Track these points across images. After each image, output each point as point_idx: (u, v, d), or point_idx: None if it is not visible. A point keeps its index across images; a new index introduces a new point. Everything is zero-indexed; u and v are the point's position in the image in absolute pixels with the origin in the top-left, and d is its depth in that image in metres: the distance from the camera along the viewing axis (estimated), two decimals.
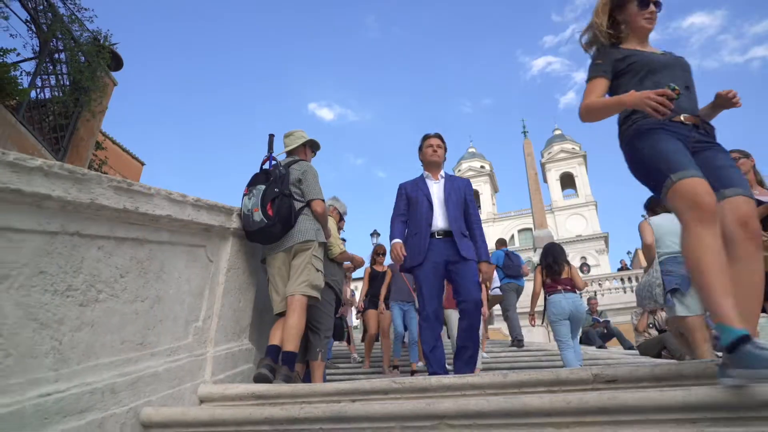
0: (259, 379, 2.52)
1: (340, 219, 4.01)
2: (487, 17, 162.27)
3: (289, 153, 3.30)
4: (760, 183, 3.58)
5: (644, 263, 4.00)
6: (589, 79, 2.15)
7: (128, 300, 2.08)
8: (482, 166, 62.81)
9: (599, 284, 18.51)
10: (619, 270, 20.80)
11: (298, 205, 2.95)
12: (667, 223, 3.87)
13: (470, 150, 68.18)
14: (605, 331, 8.16)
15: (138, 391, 2.01)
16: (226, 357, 2.64)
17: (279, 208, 2.79)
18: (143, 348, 2.14)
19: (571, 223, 55.64)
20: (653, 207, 4.14)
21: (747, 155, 3.65)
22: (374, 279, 6.02)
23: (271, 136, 3.09)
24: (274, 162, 3.05)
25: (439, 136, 3.73)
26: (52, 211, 1.74)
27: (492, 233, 48.83)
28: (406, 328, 5.60)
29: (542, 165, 60.02)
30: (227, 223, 2.78)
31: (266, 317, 3.38)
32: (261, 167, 3.04)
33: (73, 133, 6.63)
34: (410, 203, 3.55)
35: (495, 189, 63.51)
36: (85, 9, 6.72)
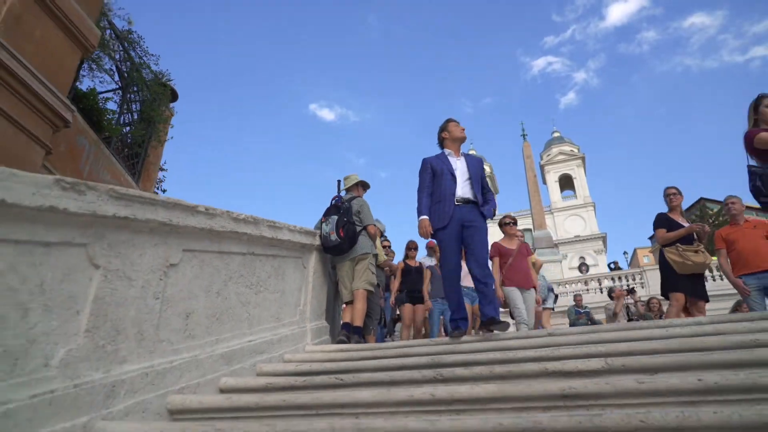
0: (340, 342, 3.93)
1: (381, 235, 5.40)
2: (487, 17, 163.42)
3: (347, 190, 4.69)
4: (682, 214, 5.05)
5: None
6: None
7: (271, 291, 3.48)
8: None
9: (584, 283, 20.08)
10: (611, 270, 22.15)
11: (358, 228, 4.34)
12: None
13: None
14: (589, 322, 9.56)
15: (281, 345, 3.41)
16: (315, 330, 4.03)
17: (347, 232, 4.19)
18: (278, 321, 3.54)
19: (569, 223, 56.84)
20: None
21: (681, 192, 5.11)
22: (407, 274, 6.19)
23: (339, 181, 4.52)
24: (340, 198, 4.46)
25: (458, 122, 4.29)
26: (244, 241, 3.14)
27: (492, 233, 50.07)
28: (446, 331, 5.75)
29: (541, 167, 61.35)
30: (313, 242, 4.18)
31: (327, 306, 4.77)
32: (331, 202, 4.45)
33: (144, 159, 8.04)
34: (435, 175, 4.01)
35: (495, 190, 64.82)
36: (152, 55, 8.12)
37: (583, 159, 60.88)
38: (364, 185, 4.79)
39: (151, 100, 8.00)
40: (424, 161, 4.12)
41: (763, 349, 2.07)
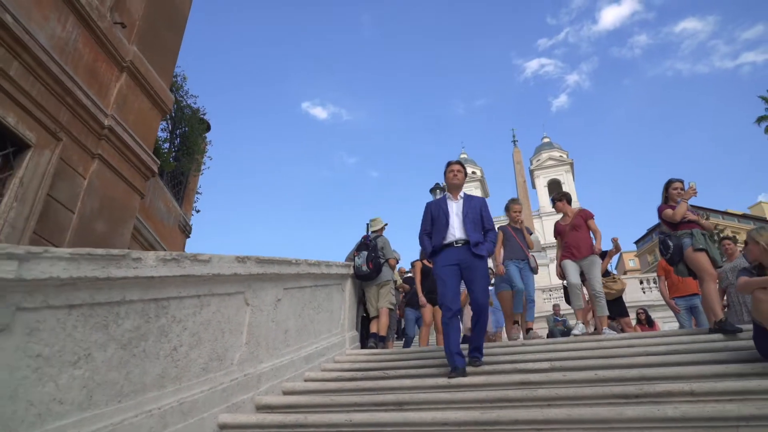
0: (371, 347, 5.31)
1: (396, 262, 6.78)
2: (481, 19, 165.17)
3: (374, 231, 6.08)
4: None
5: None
6: None
7: (325, 311, 4.86)
8: (473, 172, 65.60)
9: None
10: None
11: (381, 261, 5.73)
12: None
13: (462, 156, 71.24)
14: (564, 328, 11.04)
15: (332, 350, 4.78)
16: (351, 338, 5.41)
17: (375, 264, 5.58)
18: (330, 332, 4.91)
19: None
20: None
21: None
22: (426, 276, 6.29)
23: (368, 224, 5.91)
24: (368, 237, 5.84)
25: (459, 163, 4.53)
26: (311, 278, 4.51)
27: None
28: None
29: (531, 172, 63.20)
30: (349, 272, 5.57)
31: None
32: (361, 240, 5.83)
33: (186, 186, 9.36)
34: (434, 219, 4.32)
35: (486, 194, 66.49)
36: (193, 95, 9.44)
37: (571, 165, 62.75)
38: (383, 226, 6.20)
39: (191, 133, 9.29)
40: (426, 206, 4.51)
41: (644, 357, 3.50)
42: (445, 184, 4.58)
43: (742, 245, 4.40)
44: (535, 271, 5.83)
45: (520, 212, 6.05)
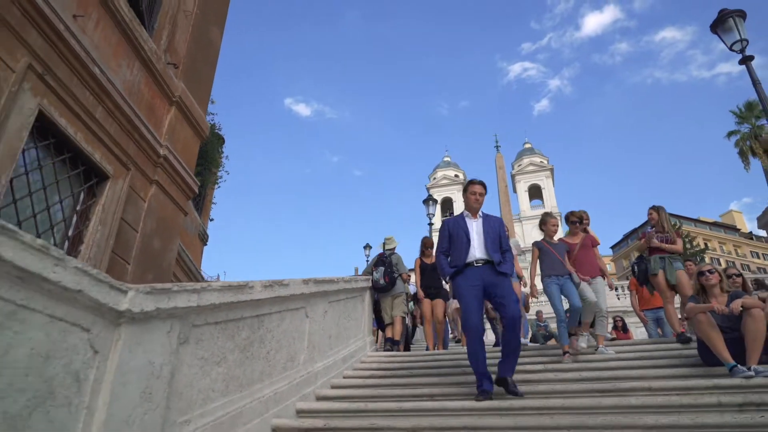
0: (388, 350, 6.21)
1: (408, 277, 7.69)
2: (467, 21, 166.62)
3: (389, 249, 6.97)
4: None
5: None
6: None
7: (353, 319, 5.74)
8: (456, 175, 66.94)
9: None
10: None
11: (396, 275, 6.63)
12: None
13: (445, 159, 72.61)
14: (546, 333, 12.11)
15: (358, 353, 5.66)
16: (369, 342, 6.29)
17: (390, 278, 6.48)
18: (355, 337, 5.79)
19: (537, 232, 59.13)
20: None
21: None
22: (424, 271, 6.75)
23: (383, 244, 6.81)
24: (385, 255, 6.74)
25: (482, 184, 4.45)
26: (344, 292, 5.39)
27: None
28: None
29: (512, 176, 64.68)
30: (368, 284, 6.46)
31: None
32: (378, 257, 6.72)
33: (204, 198, 10.14)
34: (451, 238, 4.30)
35: None
36: (212, 113, 10.21)
37: (551, 170, 64.45)
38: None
39: (209, 148, 10.06)
40: (443, 224, 4.51)
41: (617, 361, 4.47)
42: (464, 201, 4.52)
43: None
44: (577, 286, 5.22)
45: (557, 226, 5.73)
